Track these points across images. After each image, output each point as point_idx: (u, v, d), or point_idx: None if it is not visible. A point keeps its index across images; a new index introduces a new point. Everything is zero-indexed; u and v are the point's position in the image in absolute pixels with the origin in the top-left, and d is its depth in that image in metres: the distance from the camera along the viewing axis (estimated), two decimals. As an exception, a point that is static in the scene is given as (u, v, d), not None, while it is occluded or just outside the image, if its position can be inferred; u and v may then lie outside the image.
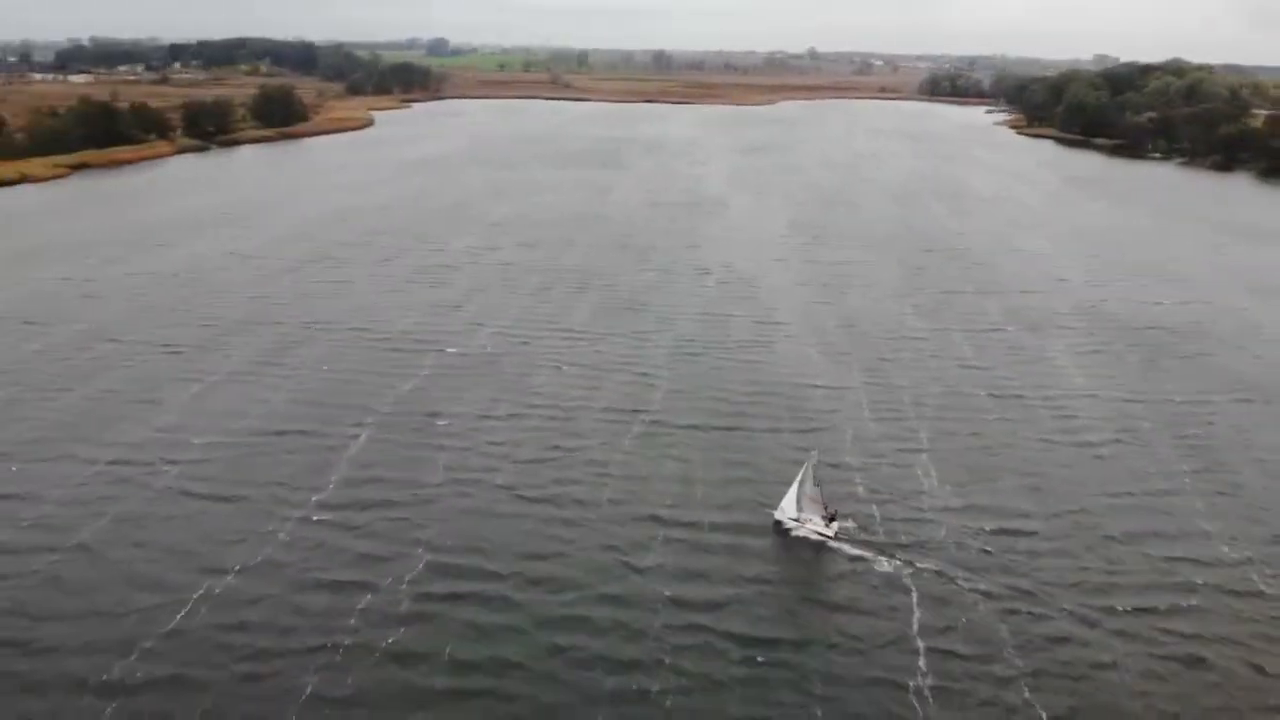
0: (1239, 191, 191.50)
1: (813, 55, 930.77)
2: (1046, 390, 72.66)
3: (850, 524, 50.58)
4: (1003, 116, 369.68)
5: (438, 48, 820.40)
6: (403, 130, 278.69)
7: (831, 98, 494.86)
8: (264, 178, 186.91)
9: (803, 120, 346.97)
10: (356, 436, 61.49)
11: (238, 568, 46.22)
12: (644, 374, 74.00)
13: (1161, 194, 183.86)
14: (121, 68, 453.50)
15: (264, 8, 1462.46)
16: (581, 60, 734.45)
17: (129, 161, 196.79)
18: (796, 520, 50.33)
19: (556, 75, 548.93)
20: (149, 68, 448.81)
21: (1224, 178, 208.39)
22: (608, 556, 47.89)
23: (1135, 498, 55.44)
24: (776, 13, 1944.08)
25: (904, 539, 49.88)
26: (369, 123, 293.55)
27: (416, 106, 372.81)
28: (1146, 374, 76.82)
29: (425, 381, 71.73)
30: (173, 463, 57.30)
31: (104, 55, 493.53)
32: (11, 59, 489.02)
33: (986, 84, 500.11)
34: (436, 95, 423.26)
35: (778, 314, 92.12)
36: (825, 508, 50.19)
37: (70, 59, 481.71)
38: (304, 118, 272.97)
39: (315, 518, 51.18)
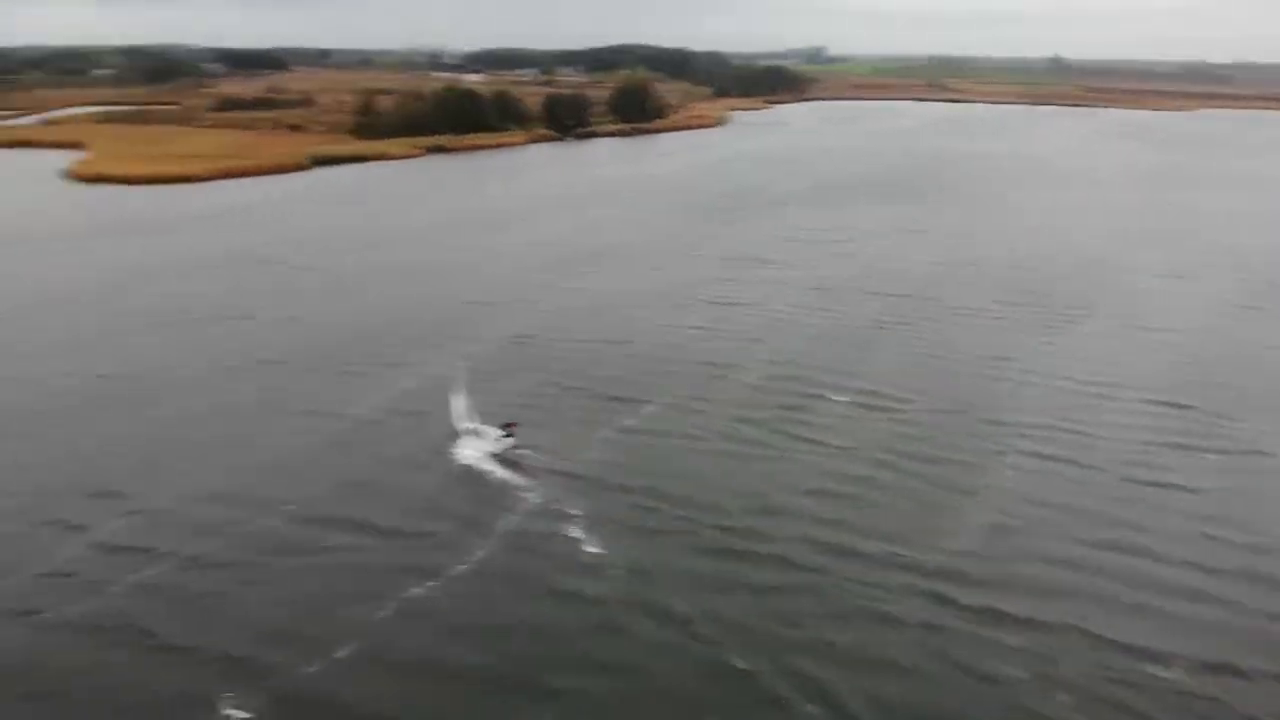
0: None
1: (1241, 65, 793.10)
2: None
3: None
4: None
5: (815, 56, 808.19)
6: (727, 135, 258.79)
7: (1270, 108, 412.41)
8: (531, 183, 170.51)
9: (1238, 139, 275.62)
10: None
11: None
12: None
13: None
14: (518, 70, 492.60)
15: (650, 23, 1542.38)
16: (962, 65, 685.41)
17: (482, 147, 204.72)
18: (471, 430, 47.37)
19: (933, 79, 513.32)
20: (540, 71, 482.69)
21: None
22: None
23: None
24: (1192, 17, 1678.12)
25: None
26: (721, 121, 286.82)
27: (780, 107, 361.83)
28: None
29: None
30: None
31: (502, 60, 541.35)
32: (420, 59, 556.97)
33: None
34: (802, 97, 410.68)
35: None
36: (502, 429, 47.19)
37: (474, 62, 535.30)
38: (659, 114, 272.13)
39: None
